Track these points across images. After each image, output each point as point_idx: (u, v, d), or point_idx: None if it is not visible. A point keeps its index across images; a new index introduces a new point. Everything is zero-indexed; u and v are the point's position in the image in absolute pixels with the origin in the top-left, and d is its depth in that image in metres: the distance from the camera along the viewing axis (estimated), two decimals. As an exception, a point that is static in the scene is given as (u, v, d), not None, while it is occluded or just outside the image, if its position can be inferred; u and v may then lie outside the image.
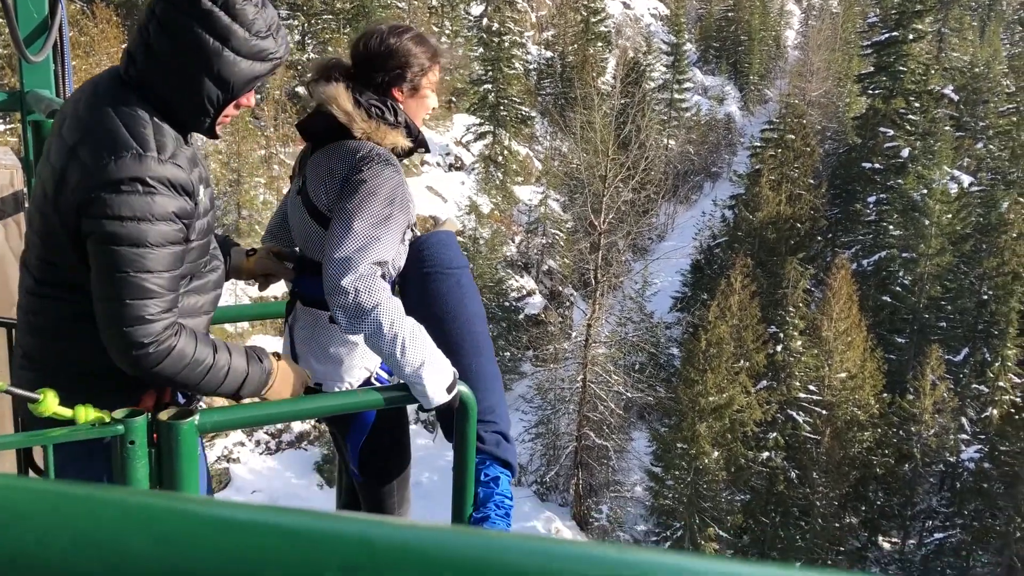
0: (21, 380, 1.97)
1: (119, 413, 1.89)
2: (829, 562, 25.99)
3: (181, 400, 2.23)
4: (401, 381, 2.24)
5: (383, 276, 2.27)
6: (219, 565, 0.39)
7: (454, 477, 2.40)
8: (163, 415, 1.93)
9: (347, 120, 2.38)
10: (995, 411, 26.71)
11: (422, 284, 2.55)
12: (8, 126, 27.17)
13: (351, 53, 2.53)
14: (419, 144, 2.51)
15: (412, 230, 2.55)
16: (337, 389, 2.52)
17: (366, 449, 2.62)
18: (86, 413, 1.82)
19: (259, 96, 38.02)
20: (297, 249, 2.66)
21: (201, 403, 2.30)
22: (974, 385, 28.57)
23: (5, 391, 1.80)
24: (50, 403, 1.77)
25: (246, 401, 2.17)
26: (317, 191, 2.41)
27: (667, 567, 0.38)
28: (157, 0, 1.94)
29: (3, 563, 0.38)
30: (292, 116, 36.11)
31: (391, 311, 2.15)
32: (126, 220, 1.87)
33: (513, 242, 39.78)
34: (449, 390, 2.22)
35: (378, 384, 2.54)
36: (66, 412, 1.80)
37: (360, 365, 2.52)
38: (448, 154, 39.85)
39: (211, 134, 2.06)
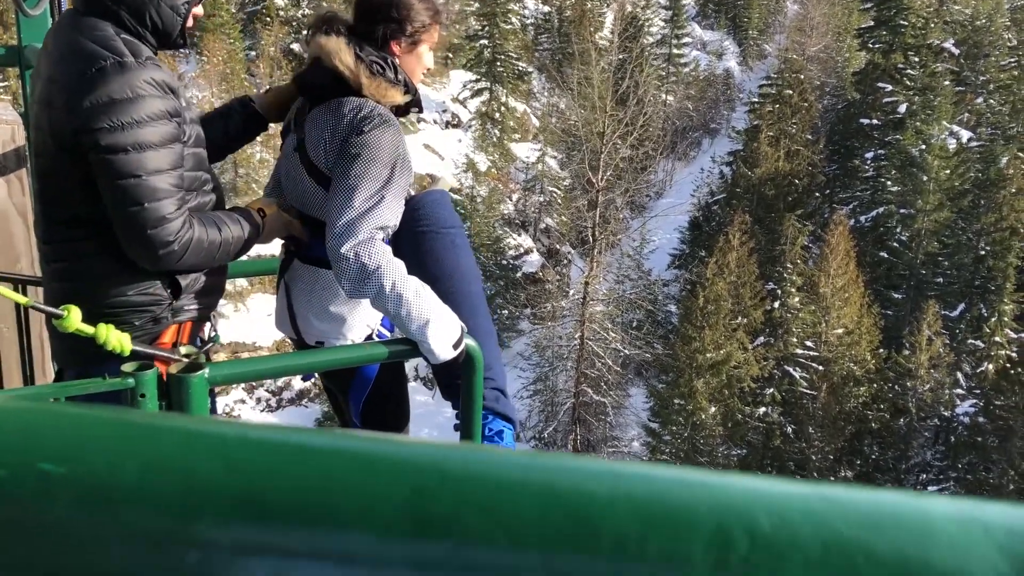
0: (55, 331, 2.02)
1: (129, 367, 1.90)
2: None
3: (197, 343, 2.28)
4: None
5: (384, 239, 2.27)
6: (291, 490, 0.39)
7: (460, 431, 2.43)
8: (173, 368, 1.94)
9: (351, 76, 2.35)
10: (991, 366, 26.91)
11: (416, 243, 2.56)
12: (3, 83, 26.88)
13: (354, 4, 2.50)
14: (415, 103, 2.50)
15: (408, 190, 2.56)
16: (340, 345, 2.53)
17: (368, 405, 2.63)
18: (107, 331, 1.87)
19: (253, 53, 37.50)
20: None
21: (215, 332, 2.37)
22: (970, 340, 28.74)
23: (31, 306, 1.89)
24: (73, 319, 1.83)
25: (254, 355, 2.20)
26: (316, 149, 2.39)
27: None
28: None
29: (78, 490, 0.39)
30: (287, 73, 35.71)
31: (393, 272, 2.17)
32: (124, 127, 1.93)
33: (510, 200, 39.65)
34: (455, 345, 2.24)
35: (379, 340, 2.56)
36: (88, 329, 1.86)
37: (361, 322, 2.53)
38: (445, 111, 39.53)
39: (181, 41, 2.11)
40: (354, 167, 2.26)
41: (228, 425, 0.45)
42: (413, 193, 2.63)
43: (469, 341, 2.28)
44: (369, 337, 2.55)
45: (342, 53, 2.35)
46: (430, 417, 23.68)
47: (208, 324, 2.38)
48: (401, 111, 2.48)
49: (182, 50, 2.19)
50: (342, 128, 2.33)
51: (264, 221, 2.33)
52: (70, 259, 2.12)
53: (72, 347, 2.10)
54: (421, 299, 2.19)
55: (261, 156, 32.75)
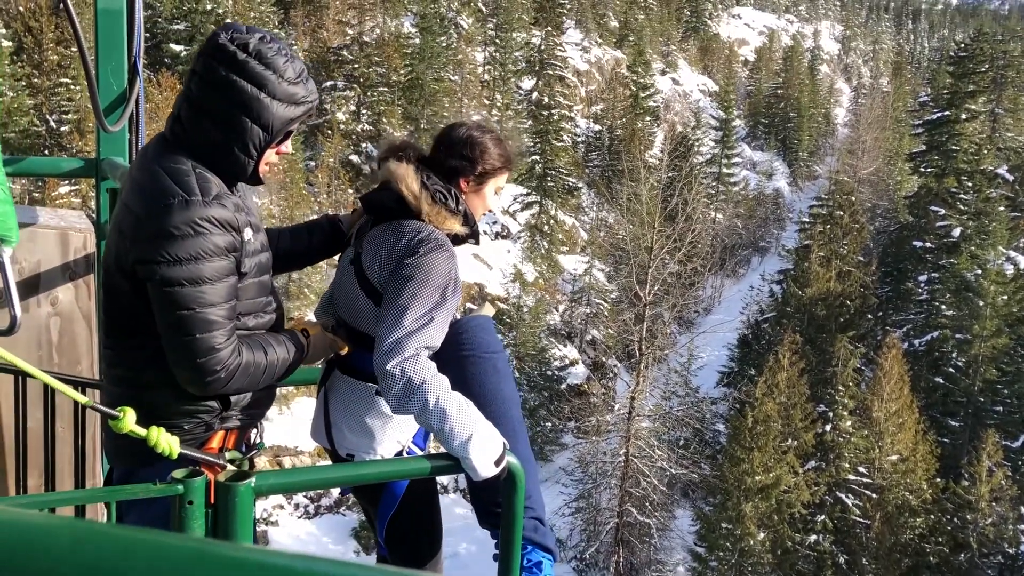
0: (109, 431, 2.10)
1: (178, 473, 1.93)
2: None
3: (243, 448, 2.36)
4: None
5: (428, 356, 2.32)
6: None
7: (500, 555, 2.37)
8: (221, 477, 1.96)
9: (413, 200, 2.47)
10: (1056, 501, 25.62)
11: (460, 367, 2.58)
12: (73, 187, 28.20)
13: (436, 135, 2.68)
14: (473, 235, 2.60)
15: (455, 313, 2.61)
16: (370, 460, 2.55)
17: (394, 523, 2.62)
18: (158, 434, 1.93)
19: (313, 163, 39.10)
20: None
21: (261, 439, 2.41)
22: (1033, 473, 27.49)
23: (89, 406, 1.94)
24: (128, 421, 1.89)
25: (295, 459, 2.24)
26: (371, 265, 2.48)
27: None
28: (197, 58, 2.16)
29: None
30: (344, 183, 36.98)
31: (437, 387, 2.21)
32: (182, 262, 2.04)
33: (557, 311, 39.81)
34: (498, 462, 2.24)
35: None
36: (140, 431, 1.91)
37: (393, 438, 2.56)
38: (495, 222, 40.33)
39: (255, 179, 2.24)
40: (407, 288, 2.34)
41: (229, 548, 0.47)
42: (458, 316, 2.69)
43: (511, 459, 2.27)
44: (399, 453, 2.57)
45: (408, 179, 2.48)
46: (468, 531, 23.17)
47: (255, 430, 2.43)
48: (458, 240, 2.58)
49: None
50: (399, 248, 2.42)
51: (308, 341, 2.42)
52: (127, 366, 2.23)
53: (123, 447, 2.19)
54: (464, 415, 2.21)
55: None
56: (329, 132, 37.86)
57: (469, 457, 2.18)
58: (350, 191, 37.56)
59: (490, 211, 2.74)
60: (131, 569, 0.48)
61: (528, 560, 2.48)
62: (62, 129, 31.24)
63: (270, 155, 2.23)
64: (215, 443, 2.26)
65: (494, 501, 2.39)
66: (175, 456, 1.97)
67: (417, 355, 2.23)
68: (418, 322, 2.28)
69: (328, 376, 2.65)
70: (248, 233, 2.18)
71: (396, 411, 2.25)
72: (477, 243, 2.66)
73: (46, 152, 29.89)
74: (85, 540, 0.51)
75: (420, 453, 2.60)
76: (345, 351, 2.54)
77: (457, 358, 2.60)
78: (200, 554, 0.50)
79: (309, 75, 2.23)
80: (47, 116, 31.14)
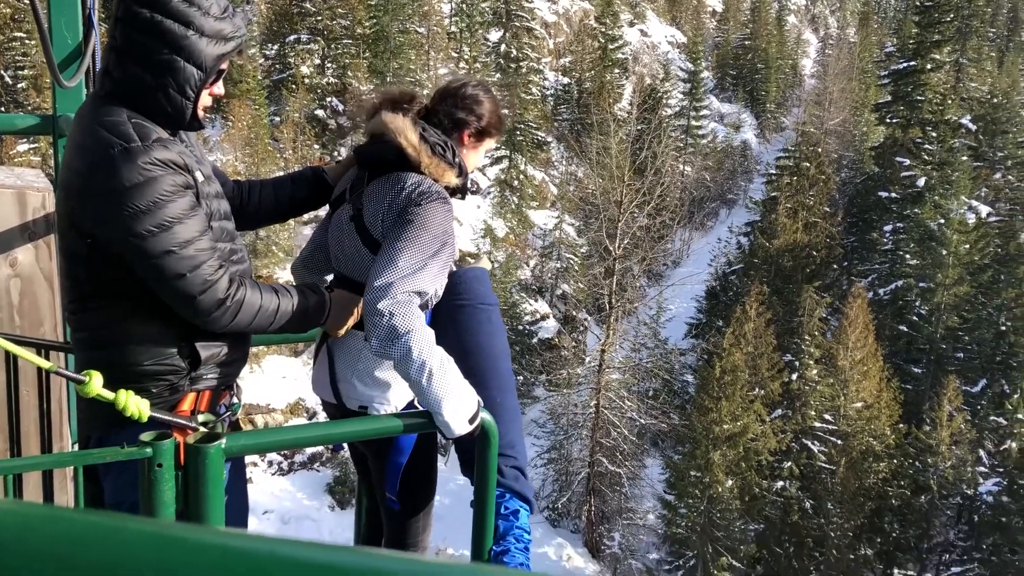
0: (80, 396, 2.07)
1: (147, 436, 1.91)
2: (844, 595, 25.66)
3: (222, 410, 2.34)
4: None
5: (421, 306, 2.30)
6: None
7: (475, 507, 2.40)
8: (191, 439, 1.95)
9: (413, 153, 2.45)
10: (1014, 444, 26.34)
11: (454, 316, 2.59)
12: (32, 145, 27.54)
13: (440, 88, 2.67)
14: (466, 187, 2.59)
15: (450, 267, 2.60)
16: (384, 411, 2.53)
17: (402, 474, 2.63)
18: (126, 397, 1.91)
19: (278, 119, 38.36)
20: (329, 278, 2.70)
21: (236, 401, 2.38)
22: (992, 417, 28.21)
23: (53, 371, 1.92)
24: (94, 385, 1.87)
25: (273, 425, 2.22)
26: (374, 220, 2.45)
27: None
28: (119, 5, 2.09)
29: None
30: (310, 138, 36.42)
31: (422, 339, 2.19)
32: (143, 212, 2.00)
33: (527, 266, 39.84)
34: (471, 421, 2.24)
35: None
36: (108, 395, 1.90)
37: (406, 387, 2.51)
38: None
39: (195, 124, 2.17)
40: (405, 232, 2.32)
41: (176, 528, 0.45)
42: (454, 268, 2.68)
43: (485, 416, 2.27)
44: (412, 404, 2.55)
45: (408, 132, 2.45)
46: (442, 483, 23.31)
47: (231, 393, 2.40)
48: (452, 192, 2.56)
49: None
50: (401, 200, 2.40)
51: (331, 297, 2.40)
52: (90, 328, 2.19)
53: (95, 413, 2.16)
54: (444, 371, 2.20)
55: (282, 219, 33.16)
56: (294, 86, 37.15)
57: (442, 415, 2.19)
58: (316, 146, 37.03)
59: (479, 168, 2.74)
60: (82, 557, 0.44)
61: (505, 508, 2.50)
62: (18, 86, 30.40)
63: (205, 97, 2.17)
64: (186, 406, 2.23)
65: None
66: (144, 419, 1.94)
67: (409, 301, 2.21)
68: (412, 266, 2.26)
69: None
70: (201, 175, 2.14)
71: (377, 354, 2.23)
72: (464, 198, 2.65)
73: (1, 109, 29.08)
74: (32, 526, 0.48)
75: None
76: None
77: (451, 307, 2.62)
78: (158, 538, 0.47)
79: (234, 10, 2.17)
80: (1, 72, 30.26)
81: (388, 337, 2.17)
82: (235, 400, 2.43)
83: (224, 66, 2.16)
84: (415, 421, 2.27)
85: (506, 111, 2.72)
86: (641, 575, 24.70)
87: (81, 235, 2.09)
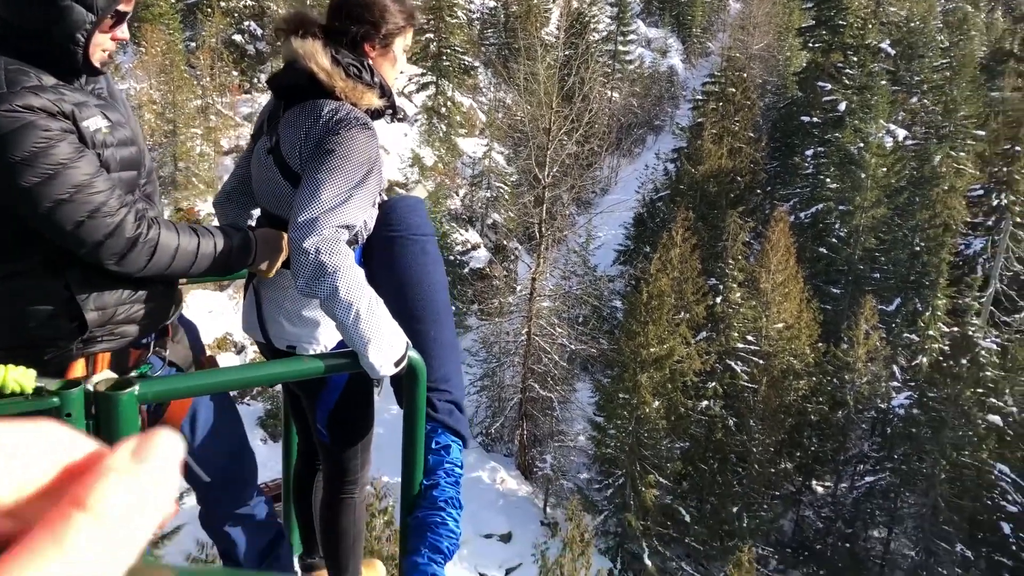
0: None
1: (54, 384, 1.82)
2: (766, 506, 26.87)
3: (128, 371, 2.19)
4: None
5: (350, 242, 2.20)
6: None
7: (403, 444, 2.38)
8: (100, 385, 1.86)
9: (327, 78, 2.30)
10: (925, 359, 27.66)
11: (387, 247, 2.50)
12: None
13: (329, 5, 2.45)
14: (391, 108, 2.45)
15: (380, 195, 2.50)
16: (313, 351, 2.46)
17: (336, 411, 2.57)
18: (4, 373, 1.75)
19: (193, 44, 36.62)
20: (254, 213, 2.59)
21: (151, 360, 2.27)
22: (905, 334, 29.51)
23: None
24: None
25: (190, 371, 2.14)
26: (292, 152, 2.32)
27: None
28: None
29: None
30: (228, 65, 35.05)
31: (350, 278, 2.09)
32: (22, 162, 1.82)
33: (457, 195, 39.53)
34: (397, 363, 2.18)
35: None
36: None
37: (334, 326, 2.47)
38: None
39: (89, 69, 1.99)
40: (325, 163, 2.19)
41: None
42: (386, 198, 2.58)
43: (412, 354, 2.23)
44: (342, 342, 2.46)
45: (318, 56, 2.30)
46: (377, 414, 23.45)
47: (146, 350, 2.27)
48: (376, 115, 2.43)
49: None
50: (318, 129, 2.27)
51: (257, 235, 2.28)
52: None
53: None
54: (372, 312, 2.11)
55: (201, 150, 32.08)
56: (209, 10, 35.51)
57: (367, 356, 2.12)
58: (235, 73, 35.67)
59: (402, 72, 2.58)
60: None
61: (436, 443, 2.46)
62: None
63: (103, 40, 1.98)
64: (77, 371, 2.08)
65: None
66: (30, 391, 1.83)
67: (336, 238, 2.10)
68: (336, 199, 2.14)
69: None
70: (93, 122, 1.95)
71: (302, 292, 2.11)
72: (395, 116, 2.50)
73: None
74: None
75: None
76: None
77: (385, 238, 2.52)
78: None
79: None
80: None
81: (314, 275, 2.07)
82: (151, 359, 2.27)
83: (124, 6, 1.96)
84: (340, 362, 2.21)
85: (408, 3, 2.47)
86: (572, 495, 25.38)
87: None
